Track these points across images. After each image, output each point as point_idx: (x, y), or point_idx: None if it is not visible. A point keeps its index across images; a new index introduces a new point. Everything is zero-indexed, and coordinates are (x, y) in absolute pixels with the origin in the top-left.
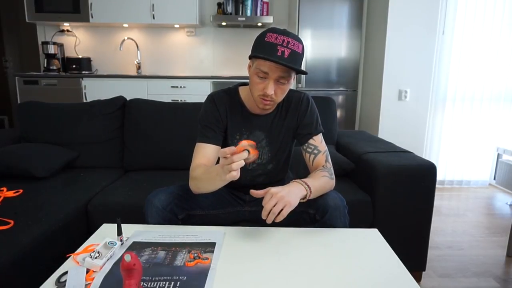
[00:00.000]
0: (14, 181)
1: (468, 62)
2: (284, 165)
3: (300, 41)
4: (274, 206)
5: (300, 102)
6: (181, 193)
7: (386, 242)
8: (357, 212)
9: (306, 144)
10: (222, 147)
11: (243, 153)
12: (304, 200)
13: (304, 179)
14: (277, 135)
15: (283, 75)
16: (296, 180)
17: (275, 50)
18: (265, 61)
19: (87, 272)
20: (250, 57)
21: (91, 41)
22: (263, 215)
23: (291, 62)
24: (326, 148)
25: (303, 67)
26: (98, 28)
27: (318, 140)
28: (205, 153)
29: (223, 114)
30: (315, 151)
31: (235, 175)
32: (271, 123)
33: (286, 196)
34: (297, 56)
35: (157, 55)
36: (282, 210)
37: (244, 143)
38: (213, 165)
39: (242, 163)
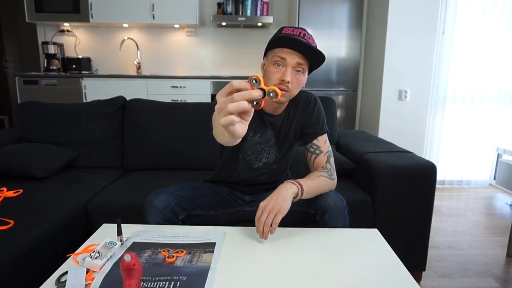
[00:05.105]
0: (14, 181)
1: (468, 62)
2: (285, 165)
3: (314, 40)
4: (266, 218)
5: (308, 102)
6: (181, 193)
7: (386, 242)
8: (357, 212)
9: (309, 144)
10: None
11: (254, 92)
12: (297, 199)
13: (298, 179)
14: (285, 136)
15: (300, 61)
16: (288, 180)
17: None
18: (283, 48)
19: (87, 272)
20: (266, 51)
21: (91, 41)
22: (257, 231)
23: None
24: (330, 149)
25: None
26: (98, 28)
27: (322, 141)
28: None
29: None
30: (317, 151)
31: (234, 118)
32: (281, 124)
33: (275, 204)
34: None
35: (157, 55)
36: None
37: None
38: None
39: (243, 105)
